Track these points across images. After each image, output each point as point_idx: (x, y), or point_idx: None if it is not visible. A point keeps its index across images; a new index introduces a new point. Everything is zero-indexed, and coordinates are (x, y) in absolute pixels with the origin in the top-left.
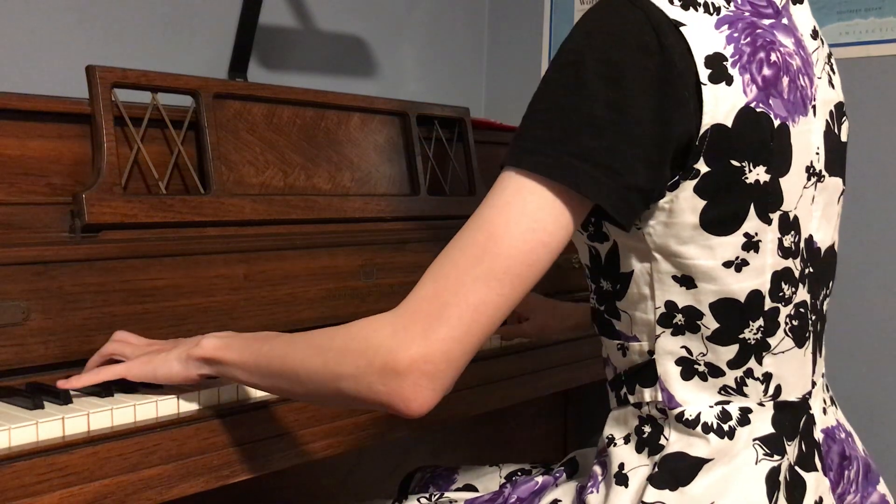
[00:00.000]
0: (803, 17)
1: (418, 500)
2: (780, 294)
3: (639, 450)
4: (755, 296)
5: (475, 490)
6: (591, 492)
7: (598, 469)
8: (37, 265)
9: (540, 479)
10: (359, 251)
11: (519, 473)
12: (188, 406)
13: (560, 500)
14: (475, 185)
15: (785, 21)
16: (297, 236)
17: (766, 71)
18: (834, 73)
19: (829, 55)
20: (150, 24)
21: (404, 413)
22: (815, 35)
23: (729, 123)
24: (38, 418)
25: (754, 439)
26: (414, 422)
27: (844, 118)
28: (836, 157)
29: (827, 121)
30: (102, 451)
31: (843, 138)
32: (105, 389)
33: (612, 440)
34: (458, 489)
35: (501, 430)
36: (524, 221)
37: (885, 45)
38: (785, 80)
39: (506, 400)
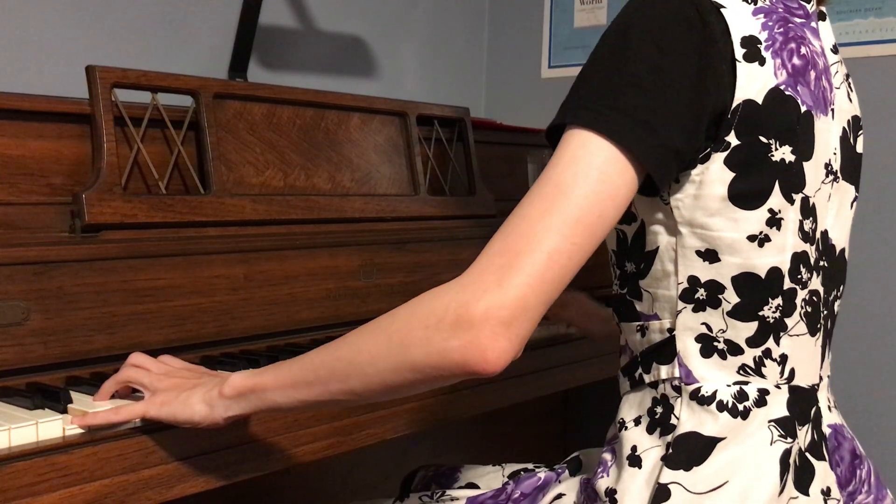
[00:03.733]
0: (826, 33)
1: (420, 498)
2: (798, 276)
3: (650, 431)
4: (775, 273)
5: (477, 488)
6: (602, 476)
7: (607, 456)
8: (37, 265)
9: (543, 475)
10: (359, 251)
11: (521, 472)
12: None
13: (564, 495)
14: (475, 185)
15: (814, 25)
16: (297, 236)
17: (796, 60)
18: (852, 90)
19: (848, 75)
20: (150, 24)
21: (482, 368)
22: (835, 51)
23: (759, 100)
24: (38, 418)
25: (770, 421)
26: (413, 421)
27: (861, 131)
28: (850, 165)
29: (844, 128)
30: (102, 451)
31: (859, 149)
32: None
33: (623, 424)
34: (460, 487)
35: (501, 430)
36: (593, 174)
37: (885, 45)
38: (812, 74)
39: (506, 400)
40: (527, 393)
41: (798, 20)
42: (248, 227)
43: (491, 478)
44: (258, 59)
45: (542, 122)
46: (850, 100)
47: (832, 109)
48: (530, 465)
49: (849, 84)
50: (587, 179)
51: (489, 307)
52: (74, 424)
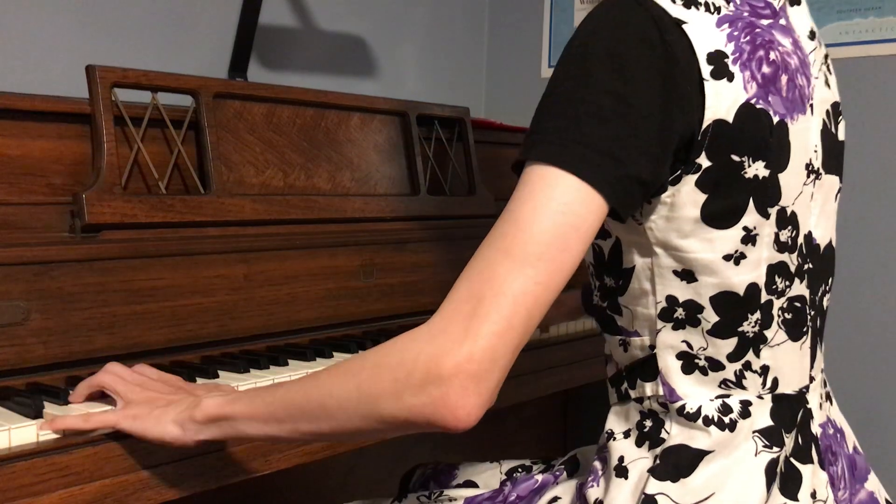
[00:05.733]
0: (801, 19)
1: (418, 498)
2: (774, 287)
3: (639, 444)
4: (753, 289)
5: (475, 486)
6: (592, 486)
7: (598, 464)
8: (37, 265)
9: (540, 477)
10: (359, 251)
11: (519, 469)
12: None
13: (560, 498)
14: (475, 185)
15: (783, 22)
16: (297, 236)
17: (766, 69)
18: (830, 73)
19: (826, 56)
20: (150, 24)
21: (451, 425)
22: (812, 36)
23: (730, 119)
24: (38, 418)
25: (754, 432)
26: None
27: (841, 117)
28: (833, 156)
29: (824, 120)
30: (102, 451)
31: (841, 137)
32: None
33: (611, 435)
34: (458, 485)
35: (501, 429)
36: (552, 206)
37: (885, 44)
38: (783, 79)
39: (506, 400)
40: (527, 393)
41: (765, 22)
42: (248, 227)
43: (489, 475)
44: (258, 59)
45: None
46: (829, 85)
47: (811, 105)
48: (528, 462)
49: (827, 68)
50: (546, 213)
51: (457, 362)
52: (45, 430)
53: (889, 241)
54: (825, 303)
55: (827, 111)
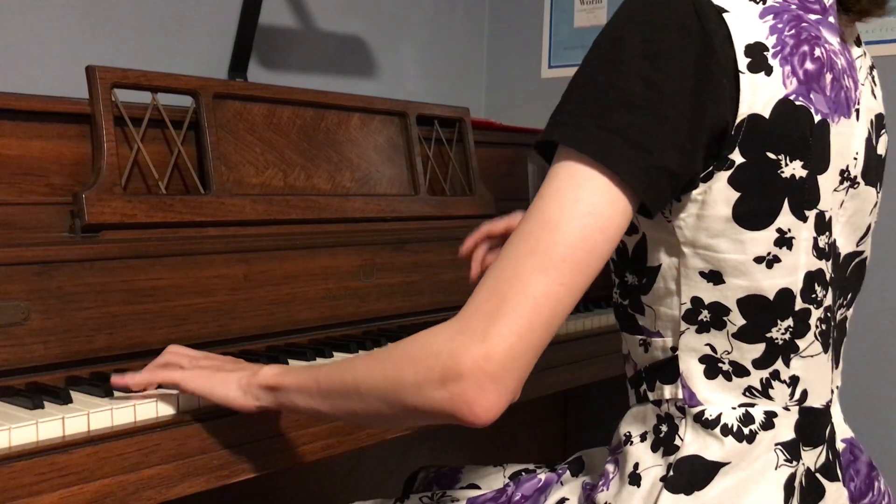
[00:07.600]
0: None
1: (420, 498)
2: (813, 296)
3: (654, 449)
4: (785, 294)
5: (478, 489)
6: (602, 489)
7: (610, 467)
8: (37, 265)
9: (543, 476)
10: (359, 251)
11: (523, 473)
12: (188, 406)
13: (567, 499)
14: (475, 185)
15: (832, 20)
16: (297, 236)
17: (809, 65)
18: (876, 84)
19: (872, 67)
20: (150, 24)
21: (470, 420)
22: (858, 43)
23: (766, 114)
24: (38, 418)
25: (776, 444)
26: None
27: (884, 131)
28: (872, 168)
29: (868, 129)
30: (102, 451)
31: (880, 151)
32: (105, 390)
33: (628, 438)
34: (461, 488)
35: (502, 430)
36: (579, 206)
37: (886, 45)
38: (828, 77)
39: None
40: (527, 393)
41: (813, 17)
42: (248, 227)
43: (492, 478)
44: (258, 59)
45: (541, 122)
46: (875, 96)
47: (857, 110)
48: (531, 466)
49: (872, 79)
50: (574, 213)
51: (476, 360)
52: (114, 383)
53: (890, 241)
54: (839, 315)
55: (871, 121)
